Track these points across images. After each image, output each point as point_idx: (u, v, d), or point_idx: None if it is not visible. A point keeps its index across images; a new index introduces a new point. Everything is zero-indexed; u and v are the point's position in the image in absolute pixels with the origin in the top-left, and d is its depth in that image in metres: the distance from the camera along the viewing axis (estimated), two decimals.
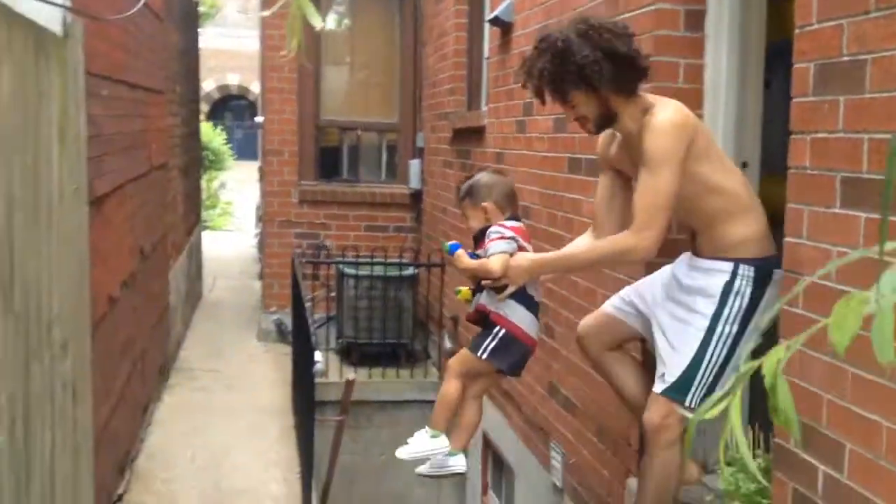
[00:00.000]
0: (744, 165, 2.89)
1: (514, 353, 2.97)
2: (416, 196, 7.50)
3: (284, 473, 5.08)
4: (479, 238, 2.99)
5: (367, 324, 6.70)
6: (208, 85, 28.38)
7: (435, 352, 6.66)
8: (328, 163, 7.83)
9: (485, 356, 2.93)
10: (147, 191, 5.45)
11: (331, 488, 4.80)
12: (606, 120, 2.54)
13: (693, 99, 2.86)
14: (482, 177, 3.12)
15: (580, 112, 2.54)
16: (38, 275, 2.59)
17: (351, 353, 6.90)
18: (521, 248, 2.90)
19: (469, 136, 5.63)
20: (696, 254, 2.57)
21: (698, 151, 2.45)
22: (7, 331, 2.24)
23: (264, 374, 7.08)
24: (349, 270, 6.72)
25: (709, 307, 2.45)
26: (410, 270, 6.73)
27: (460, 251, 2.97)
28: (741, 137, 2.93)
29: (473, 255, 2.97)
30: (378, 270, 6.59)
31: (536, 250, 2.97)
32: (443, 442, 3.03)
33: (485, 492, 5.34)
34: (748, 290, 2.44)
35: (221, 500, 4.76)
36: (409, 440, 3.11)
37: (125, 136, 4.47)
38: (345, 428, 4.51)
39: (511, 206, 3.05)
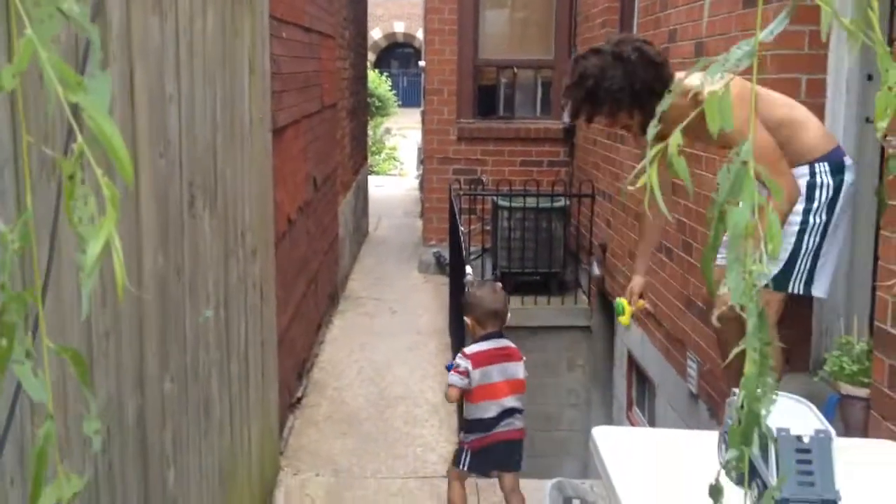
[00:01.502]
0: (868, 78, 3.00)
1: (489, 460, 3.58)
2: (570, 131, 7.71)
3: (441, 385, 5.56)
4: None
5: (520, 254, 7.02)
6: (375, 33, 29.25)
7: (585, 280, 6.92)
8: (485, 100, 8.14)
9: (462, 468, 3.61)
10: (319, 127, 5.98)
11: None
12: (647, 124, 2.80)
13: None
14: (473, 292, 3.68)
15: (622, 123, 2.90)
16: (234, 187, 3.08)
17: (505, 283, 7.26)
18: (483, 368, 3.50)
19: None
20: None
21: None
22: (212, 228, 2.73)
23: (423, 302, 7.59)
24: (503, 203, 7.05)
25: (798, 205, 2.68)
26: (562, 202, 6.98)
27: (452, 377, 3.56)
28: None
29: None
30: (531, 202, 6.88)
31: None
32: None
33: (630, 407, 5.61)
34: (829, 181, 2.67)
35: (385, 404, 5.29)
36: None
37: (301, 76, 4.96)
38: None
39: (493, 322, 3.58)
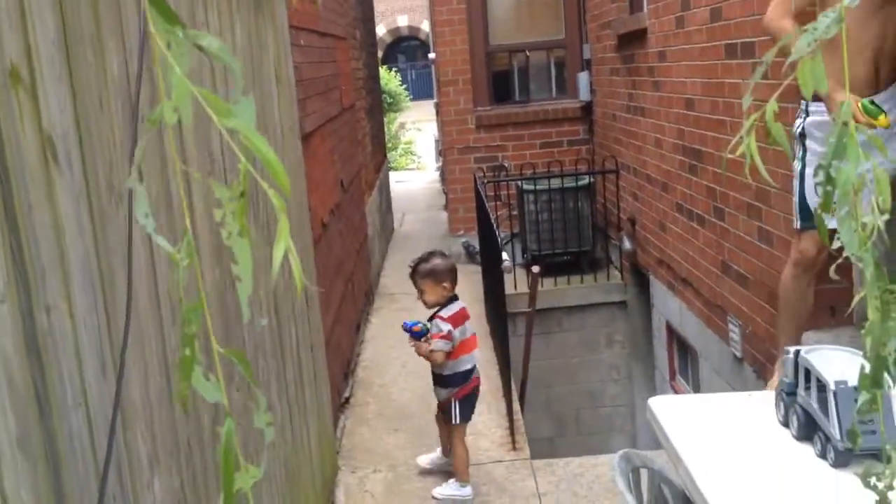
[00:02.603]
0: None
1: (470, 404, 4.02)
2: (587, 108, 7.72)
3: (486, 371, 5.60)
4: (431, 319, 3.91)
5: (549, 236, 7.07)
6: (380, 29, 29.26)
7: (615, 255, 6.95)
8: (500, 86, 8.17)
9: (458, 422, 4.01)
10: (341, 130, 6.04)
11: (528, 381, 5.26)
12: None
13: None
14: (441, 261, 3.95)
15: None
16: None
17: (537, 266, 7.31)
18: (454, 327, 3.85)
19: (632, 40, 5.80)
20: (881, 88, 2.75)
21: None
22: (257, 238, 2.81)
23: (458, 292, 7.63)
24: (528, 186, 7.09)
25: None
26: (586, 180, 7.01)
27: (418, 341, 3.89)
28: None
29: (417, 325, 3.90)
30: (555, 183, 6.91)
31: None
32: (468, 490, 3.98)
33: (673, 377, 5.64)
34: None
35: (432, 397, 5.32)
36: (442, 486, 4.03)
37: (321, 81, 5.02)
38: (534, 320, 4.94)
39: (454, 284, 3.97)
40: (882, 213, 0.80)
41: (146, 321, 1.68)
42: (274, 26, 3.25)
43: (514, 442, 4.44)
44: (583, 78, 7.65)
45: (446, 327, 3.82)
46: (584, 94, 7.65)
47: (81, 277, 1.37)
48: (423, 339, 3.91)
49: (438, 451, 4.29)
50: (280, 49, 3.35)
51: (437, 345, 3.84)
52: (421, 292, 3.92)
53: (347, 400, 5.35)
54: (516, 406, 4.85)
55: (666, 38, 4.97)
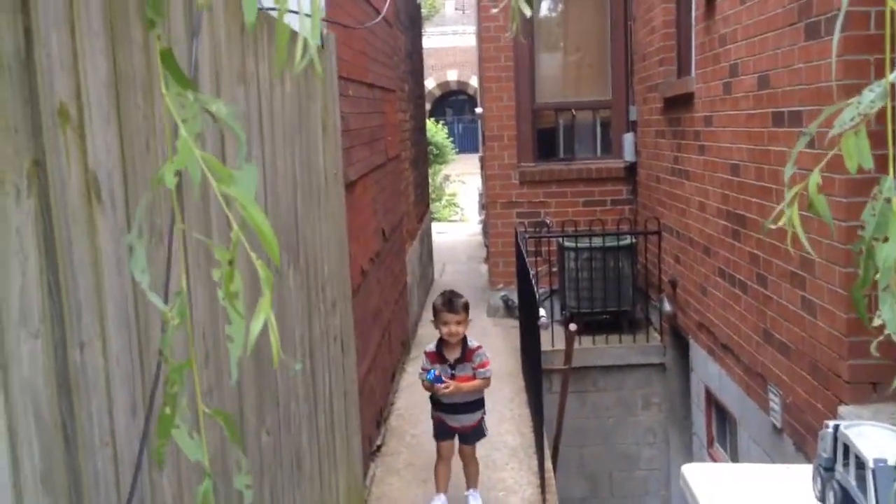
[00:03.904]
0: None
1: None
2: (631, 168, 7.71)
3: (519, 427, 5.55)
4: (463, 353, 4.17)
5: (588, 294, 7.02)
6: (429, 83, 29.73)
7: (655, 316, 6.86)
8: (545, 143, 8.21)
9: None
10: (385, 179, 6.11)
11: (561, 438, 5.17)
12: None
13: None
14: (466, 301, 4.21)
15: None
16: (314, 243, 3.18)
17: (575, 323, 7.24)
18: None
19: (678, 103, 5.80)
20: None
21: None
22: (296, 283, 2.83)
23: (495, 345, 7.59)
24: (569, 244, 7.07)
25: None
26: (628, 240, 6.97)
27: (450, 383, 4.10)
28: None
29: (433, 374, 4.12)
30: (596, 242, 6.88)
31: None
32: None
33: (711, 444, 5.51)
34: None
35: None
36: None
37: (367, 131, 5.10)
38: (570, 377, 4.89)
39: None
40: None
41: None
42: (322, 77, 3.32)
43: (544, 501, 4.36)
44: (628, 138, 7.66)
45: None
46: (629, 155, 7.66)
47: (117, 316, 1.39)
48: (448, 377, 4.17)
49: (444, 497, 4.40)
50: (328, 99, 3.41)
51: (491, 370, 4.22)
52: (458, 323, 4.13)
53: (379, 448, 5.32)
54: (548, 464, 4.77)
55: (713, 102, 4.97)
